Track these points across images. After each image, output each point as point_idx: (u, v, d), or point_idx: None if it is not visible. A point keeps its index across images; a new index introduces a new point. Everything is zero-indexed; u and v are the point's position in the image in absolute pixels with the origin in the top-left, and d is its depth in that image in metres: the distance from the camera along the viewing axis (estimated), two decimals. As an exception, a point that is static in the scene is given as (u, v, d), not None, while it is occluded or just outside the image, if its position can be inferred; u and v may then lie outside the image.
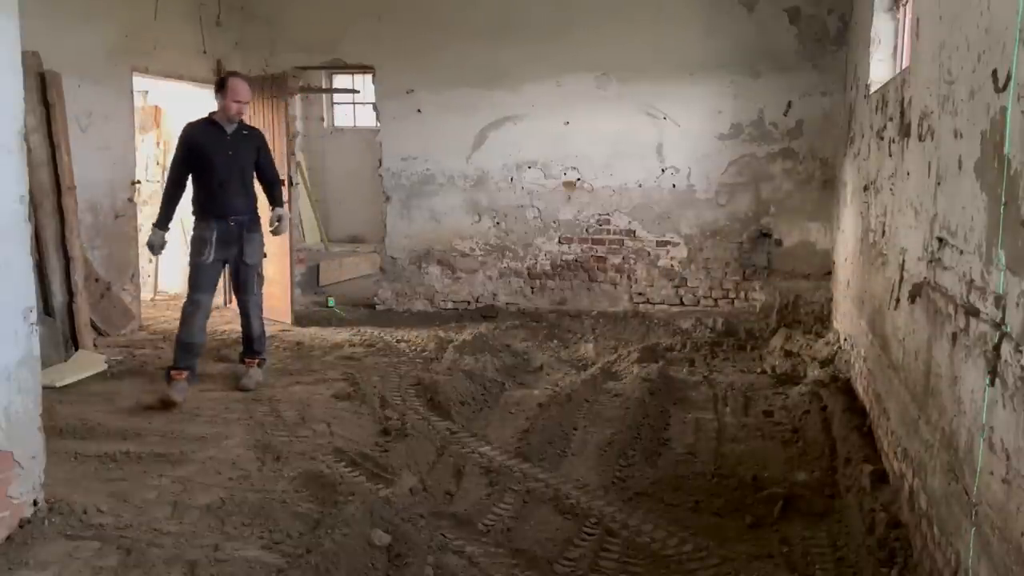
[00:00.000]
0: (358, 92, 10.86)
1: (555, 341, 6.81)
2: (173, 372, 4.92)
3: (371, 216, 9.56)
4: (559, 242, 7.65)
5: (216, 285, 5.13)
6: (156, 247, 5.02)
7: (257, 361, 5.33)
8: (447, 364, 5.82)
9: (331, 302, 8.20)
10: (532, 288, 7.74)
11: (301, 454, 4.06)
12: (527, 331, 7.06)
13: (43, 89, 5.62)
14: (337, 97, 12.54)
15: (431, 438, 4.37)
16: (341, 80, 11.48)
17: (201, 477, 3.75)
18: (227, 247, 5.00)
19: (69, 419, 4.44)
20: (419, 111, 7.71)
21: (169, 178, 5.06)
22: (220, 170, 4.94)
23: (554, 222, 7.63)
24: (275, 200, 5.31)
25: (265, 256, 5.37)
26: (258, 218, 5.18)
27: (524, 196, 7.66)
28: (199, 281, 4.99)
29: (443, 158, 7.73)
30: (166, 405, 4.73)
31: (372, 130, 9.26)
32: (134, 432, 4.34)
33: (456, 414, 4.81)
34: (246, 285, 5.18)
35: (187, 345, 4.95)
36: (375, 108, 7.90)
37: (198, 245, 4.97)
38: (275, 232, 5.28)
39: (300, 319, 7.39)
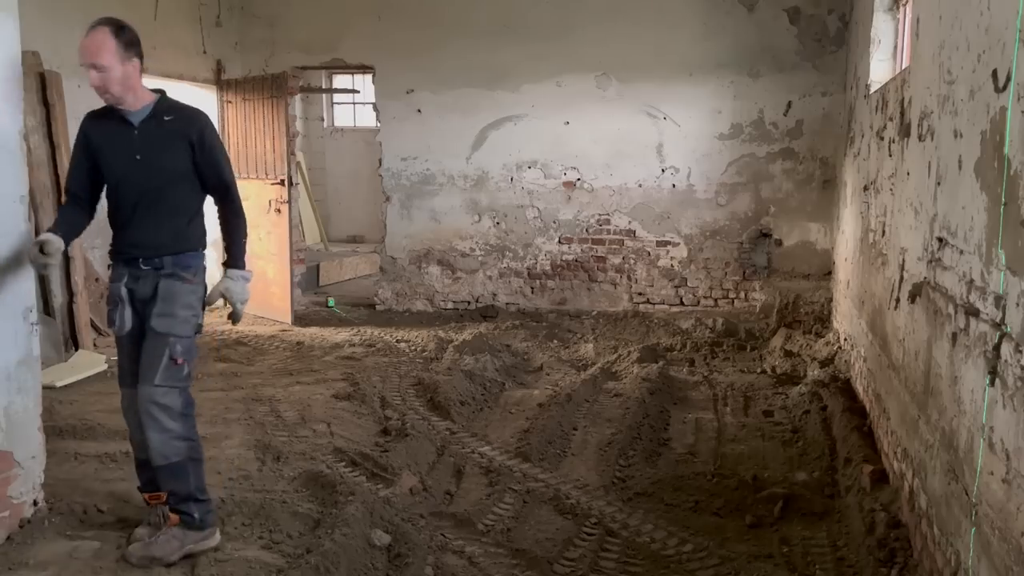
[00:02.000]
0: (358, 92, 10.87)
1: (555, 341, 6.81)
2: (147, 496, 3.15)
3: (371, 216, 9.58)
4: (559, 242, 7.65)
5: None
6: (43, 256, 2.87)
7: (171, 511, 3.02)
8: (447, 364, 5.81)
9: (331, 302, 8.21)
10: (532, 288, 7.74)
11: (301, 454, 4.06)
12: (527, 331, 7.06)
13: (43, 89, 5.63)
14: (337, 97, 12.56)
15: (431, 438, 4.38)
16: (341, 80, 11.50)
17: (201, 477, 3.75)
18: (143, 304, 3.00)
19: (69, 419, 4.45)
20: (419, 111, 7.71)
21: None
22: (124, 184, 3.00)
23: (554, 222, 7.63)
24: (229, 240, 3.11)
25: (199, 328, 3.08)
26: (189, 261, 3.04)
27: (524, 196, 7.66)
28: (120, 364, 3.11)
29: (443, 158, 7.74)
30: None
31: (372, 130, 9.26)
32: (134, 432, 4.34)
33: (456, 414, 4.81)
34: (145, 366, 2.94)
35: (136, 459, 3.18)
36: (375, 108, 7.91)
37: (111, 307, 3.05)
38: (230, 319, 3.23)
39: (300, 319, 7.39)
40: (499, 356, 6.07)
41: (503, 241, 7.75)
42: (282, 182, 7.20)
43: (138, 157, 2.97)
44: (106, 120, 3.05)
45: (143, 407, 2.93)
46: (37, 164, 5.46)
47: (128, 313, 3.01)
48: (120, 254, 3.05)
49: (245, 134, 7.52)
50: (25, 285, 3.15)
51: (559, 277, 7.69)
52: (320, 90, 10.88)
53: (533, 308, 7.69)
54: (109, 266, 3.17)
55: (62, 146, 5.75)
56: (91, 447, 4.06)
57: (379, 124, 7.89)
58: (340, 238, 12.20)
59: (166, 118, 3.01)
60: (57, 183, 5.76)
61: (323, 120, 12.71)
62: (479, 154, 7.68)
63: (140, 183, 2.98)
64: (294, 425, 4.54)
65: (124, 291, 3.01)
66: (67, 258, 5.82)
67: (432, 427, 4.58)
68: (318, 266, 9.49)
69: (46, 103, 5.64)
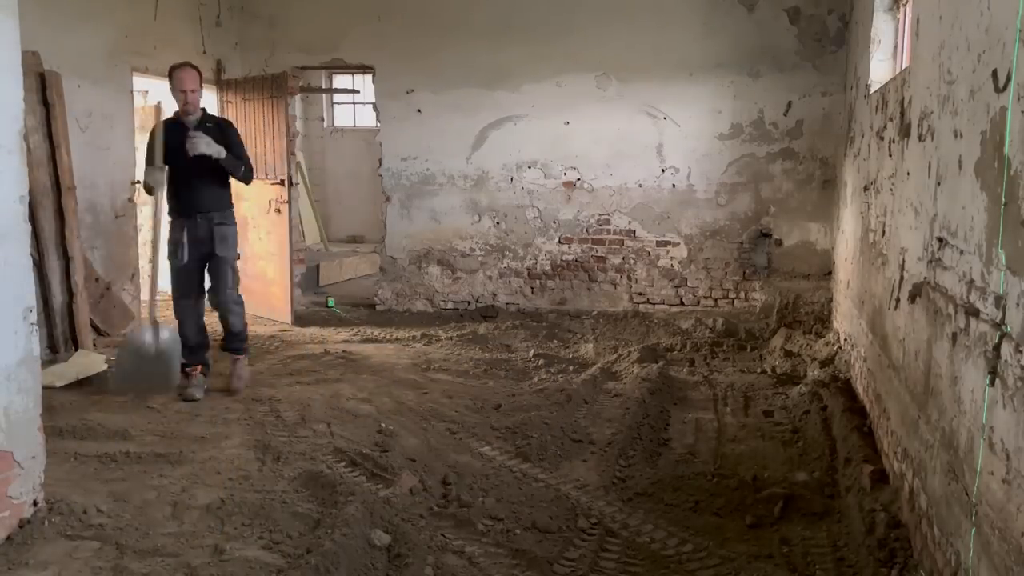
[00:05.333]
0: (358, 92, 10.87)
1: (555, 341, 6.81)
2: (193, 369, 5.06)
3: (371, 216, 9.58)
4: (559, 242, 7.65)
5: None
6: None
7: (235, 354, 5.24)
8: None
9: (331, 302, 8.21)
10: (532, 288, 7.75)
11: (301, 454, 4.06)
12: (527, 331, 7.07)
13: (43, 89, 5.61)
14: (337, 97, 12.56)
15: (431, 438, 4.37)
16: (341, 80, 11.49)
17: (201, 477, 3.75)
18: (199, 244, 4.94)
19: (69, 419, 4.44)
20: (419, 111, 7.72)
21: None
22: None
23: (554, 222, 7.64)
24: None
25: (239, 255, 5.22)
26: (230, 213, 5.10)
27: (524, 196, 7.66)
28: (181, 286, 5.06)
29: (443, 158, 7.74)
30: (187, 400, 4.88)
31: (372, 130, 9.27)
32: (134, 432, 4.34)
33: (456, 414, 4.80)
34: (220, 280, 5.08)
35: (189, 346, 5.04)
36: (375, 108, 7.91)
37: (171, 246, 4.98)
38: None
39: (300, 319, 7.39)
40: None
41: (503, 241, 7.75)
42: (282, 182, 7.20)
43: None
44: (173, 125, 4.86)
45: (226, 306, 5.07)
46: (37, 164, 5.46)
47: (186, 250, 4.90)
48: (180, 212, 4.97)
49: (245, 134, 7.47)
50: (25, 285, 3.15)
51: (559, 277, 7.69)
52: (320, 90, 10.88)
53: (533, 308, 7.69)
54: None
55: (62, 146, 5.74)
56: (91, 447, 4.06)
57: (379, 124, 7.90)
58: (340, 238, 12.20)
59: (208, 124, 4.95)
60: (57, 182, 5.75)
61: (323, 120, 12.71)
62: (479, 154, 7.68)
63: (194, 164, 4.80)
64: (294, 425, 4.53)
65: (185, 236, 4.90)
66: (67, 258, 5.82)
67: (432, 427, 4.58)
68: (318, 266, 9.49)
69: (46, 103, 5.63)
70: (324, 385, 5.35)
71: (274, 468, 3.91)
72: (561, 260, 7.66)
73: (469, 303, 7.85)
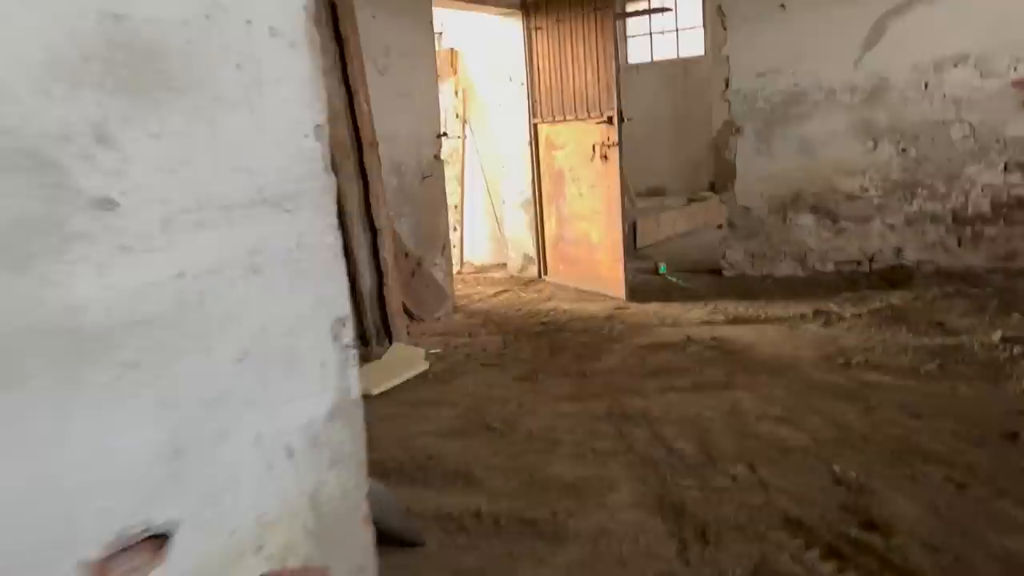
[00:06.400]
0: (669, 10, 9.09)
1: (1016, 315, 4.61)
2: None
3: (674, 164, 7.87)
4: (1005, 170, 5.31)
5: None
6: None
7: None
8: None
9: (663, 268, 6.65)
10: (959, 238, 5.50)
11: (736, 527, 2.47)
12: (966, 301, 4.93)
13: (335, 21, 4.54)
14: (631, 30, 10.93)
15: (930, 496, 2.57)
16: None
17: (597, 572, 2.32)
18: None
19: (390, 448, 3.27)
20: (782, 6, 5.76)
21: None
22: None
23: (997, 141, 5.31)
24: None
25: None
26: None
27: (947, 107, 5.41)
28: None
29: (818, 66, 5.73)
30: None
31: (673, 63, 7.48)
32: (477, 472, 3.04)
33: (944, 448, 2.94)
34: None
35: None
36: (720, 12, 6.07)
37: None
38: None
39: (634, 292, 5.87)
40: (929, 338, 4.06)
41: (912, 175, 5.58)
42: (610, 119, 5.71)
43: None
44: None
45: None
46: (334, 116, 4.41)
47: None
48: None
49: (560, 66, 6.10)
50: (334, 281, 1.82)
51: (1004, 221, 5.37)
52: (634, 14, 9.24)
53: (962, 267, 5.47)
54: None
55: (359, 92, 4.66)
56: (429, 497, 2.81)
57: (725, 30, 6.06)
58: (639, 191, 10.66)
59: None
60: (357, 138, 4.70)
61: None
62: (873, 55, 5.55)
63: None
64: (699, 466, 2.99)
65: None
66: (373, 231, 4.78)
67: (918, 472, 2.77)
68: (635, 224, 7.96)
69: (338, 38, 4.54)
70: (710, 392, 3.77)
71: (703, 555, 2.38)
72: (1009, 196, 5.32)
73: (860, 263, 5.81)
